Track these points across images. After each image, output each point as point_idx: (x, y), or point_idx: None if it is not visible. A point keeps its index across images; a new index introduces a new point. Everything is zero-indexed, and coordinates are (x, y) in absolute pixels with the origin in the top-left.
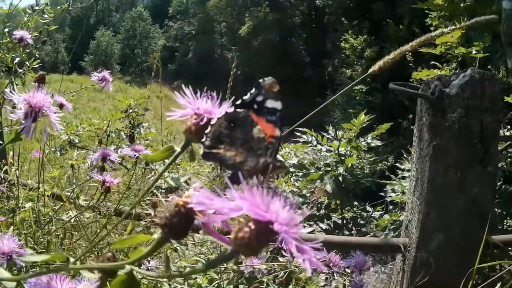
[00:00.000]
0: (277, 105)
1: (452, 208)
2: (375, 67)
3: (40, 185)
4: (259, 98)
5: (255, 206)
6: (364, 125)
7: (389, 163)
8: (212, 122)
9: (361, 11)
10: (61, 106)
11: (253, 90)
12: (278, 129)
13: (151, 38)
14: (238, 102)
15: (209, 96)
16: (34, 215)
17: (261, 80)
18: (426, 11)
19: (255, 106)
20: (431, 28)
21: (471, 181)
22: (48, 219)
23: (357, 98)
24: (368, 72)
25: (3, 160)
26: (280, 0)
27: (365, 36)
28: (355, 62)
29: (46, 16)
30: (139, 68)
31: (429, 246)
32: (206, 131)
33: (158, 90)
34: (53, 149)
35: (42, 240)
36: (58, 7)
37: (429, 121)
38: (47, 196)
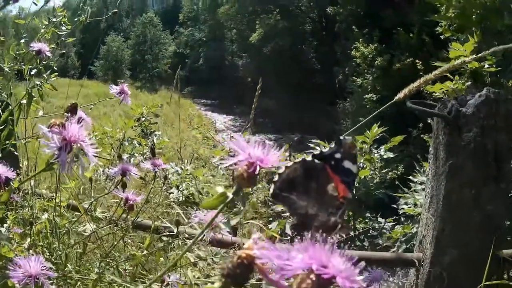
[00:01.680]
0: (354, 168)
1: (467, 225)
2: (400, 95)
3: (55, 195)
4: (338, 155)
5: (319, 261)
6: (378, 137)
7: (399, 172)
8: (288, 164)
9: (372, 19)
10: (79, 120)
11: (332, 145)
12: (351, 192)
13: (161, 44)
14: (316, 153)
15: (260, 143)
16: (50, 227)
17: (341, 137)
18: (437, 20)
19: (332, 162)
20: (441, 37)
21: (486, 198)
22: (64, 231)
23: (368, 106)
24: (394, 99)
25: (17, 170)
26: (291, 8)
27: (375, 45)
28: (365, 71)
29: (63, 28)
30: (149, 74)
31: (443, 261)
32: (280, 172)
33: (168, 96)
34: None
35: (59, 252)
36: (76, 19)
37: (446, 140)
38: (63, 207)
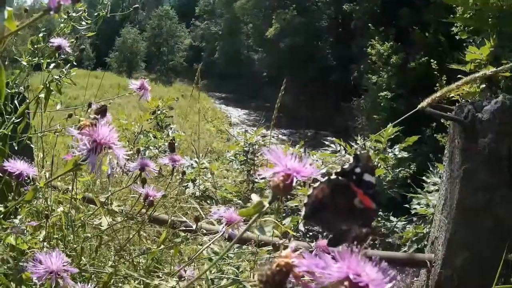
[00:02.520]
0: (373, 180)
1: (479, 228)
2: (423, 103)
3: (71, 187)
4: (357, 170)
5: (354, 270)
6: (392, 136)
7: (411, 171)
8: (315, 185)
9: (388, 17)
10: (99, 112)
11: (351, 161)
12: (375, 202)
13: (177, 37)
14: (339, 170)
15: (295, 155)
16: (66, 219)
17: (358, 152)
18: (452, 21)
19: (354, 177)
20: (457, 38)
21: (498, 202)
22: (80, 224)
23: (382, 104)
24: (417, 108)
25: (32, 162)
26: (307, 4)
27: (391, 43)
28: (381, 68)
29: (83, 23)
30: (164, 66)
31: (454, 263)
32: (308, 194)
33: (183, 89)
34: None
35: (75, 246)
36: (96, 13)
37: (461, 144)
38: (79, 199)
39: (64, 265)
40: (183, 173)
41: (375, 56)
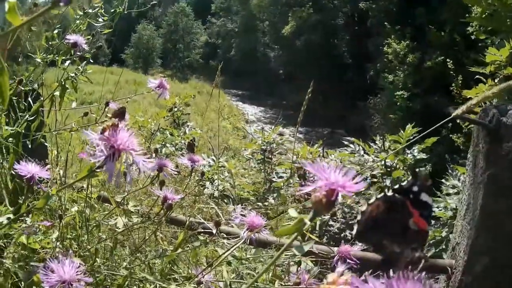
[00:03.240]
0: (430, 200)
1: (502, 236)
2: (458, 111)
3: (86, 186)
4: (415, 189)
5: None
6: (411, 137)
7: (426, 171)
8: (370, 201)
9: (404, 16)
10: (117, 114)
11: (409, 178)
12: (429, 224)
13: (193, 34)
14: (396, 187)
15: (339, 168)
16: (80, 219)
17: (417, 170)
18: (468, 20)
19: (411, 196)
20: (472, 37)
21: None
22: (95, 224)
23: (398, 103)
24: (452, 115)
25: (46, 160)
26: (323, 1)
27: (407, 42)
28: (397, 68)
29: (100, 19)
30: (180, 63)
31: (475, 270)
32: (362, 210)
33: (199, 86)
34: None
35: (89, 247)
36: (112, 10)
37: (486, 149)
38: (94, 198)
39: (77, 274)
40: (202, 173)
41: (392, 55)
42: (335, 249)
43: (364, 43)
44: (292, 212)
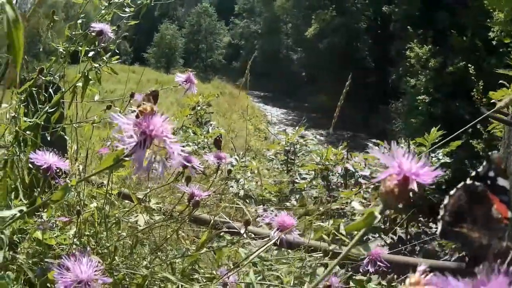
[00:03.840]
0: (507, 184)
1: None
2: (501, 103)
3: (107, 181)
4: (491, 174)
5: None
6: (436, 140)
7: (446, 176)
8: (451, 193)
9: (426, 20)
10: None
11: (484, 163)
12: (510, 209)
13: (216, 35)
14: (473, 174)
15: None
16: (99, 215)
17: (490, 153)
18: (489, 24)
19: (488, 182)
20: (493, 42)
21: None
22: (115, 220)
23: (420, 108)
24: (496, 107)
25: (65, 154)
26: (347, 4)
27: (430, 46)
28: (419, 72)
29: (127, 10)
30: (203, 63)
31: None
32: (444, 203)
33: (221, 86)
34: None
35: (107, 244)
36: (139, 1)
37: None
38: (114, 194)
39: (95, 273)
40: (229, 171)
41: (414, 59)
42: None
43: (387, 46)
44: (356, 205)
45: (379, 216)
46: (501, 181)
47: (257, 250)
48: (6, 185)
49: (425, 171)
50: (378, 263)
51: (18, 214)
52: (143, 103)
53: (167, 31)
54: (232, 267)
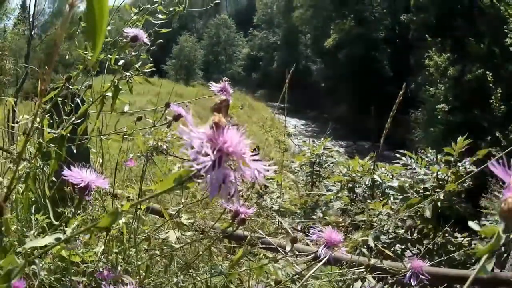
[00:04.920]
0: None
1: None
2: None
3: (131, 195)
4: None
5: None
6: (463, 149)
7: (466, 185)
8: None
9: (444, 28)
10: (179, 117)
11: None
12: None
13: (235, 46)
14: None
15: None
16: (128, 231)
17: None
18: (506, 31)
19: None
20: (510, 49)
21: None
22: (144, 237)
23: (439, 117)
24: None
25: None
26: (365, 14)
27: (448, 54)
28: (438, 80)
29: (159, 16)
30: (222, 75)
31: None
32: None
33: (241, 98)
34: (138, 154)
35: (138, 262)
36: (171, 8)
37: None
38: (142, 210)
39: None
40: (266, 186)
41: (433, 67)
42: (408, 264)
43: (405, 56)
44: (474, 226)
45: (503, 236)
46: None
47: (309, 267)
48: (28, 199)
49: None
50: (421, 276)
51: (55, 242)
52: (214, 114)
53: (186, 43)
54: (272, 284)
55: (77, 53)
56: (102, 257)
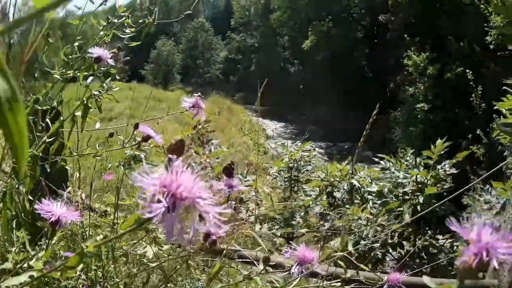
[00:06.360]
0: None
1: None
2: None
3: (113, 211)
4: None
5: None
6: (442, 152)
7: (447, 185)
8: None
9: (423, 28)
10: (147, 138)
11: None
12: None
13: (213, 50)
14: None
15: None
16: (106, 248)
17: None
18: (486, 29)
19: None
20: (491, 47)
21: None
22: (122, 253)
23: (419, 116)
24: None
25: (67, 183)
26: (343, 15)
27: (427, 53)
28: (417, 80)
29: (127, 31)
30: (200, 79)
31: None
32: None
33: (219, 101)
34: (116, 164)
35: (117, 280)
36: (140, 21)
37: None
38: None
39: None
40: (241, 200)
41: (412, 67)
42: (384, 276)
43: (384, 56)
44: (428, 281)
45: None
46: None
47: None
48: (6, 216)
49: (504, 244)
50: None
51: (29, 280)
52: (168, 156)
53: (164, 47)
54: None
55: (56, 59)
56: (81, 274)
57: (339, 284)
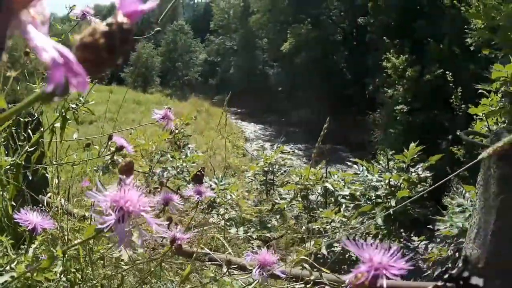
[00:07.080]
0: (480, 282)
1: None
2: (484, 154)
3: (87, 214)
4: (465, 274)
5: None
6: (415, 156)
7: (427, 185)
8: None
9: (403, 30)
10: (121, 148)
11: (460, 264)
12: None
13: (192, 52)
14: (446, 276)
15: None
16: (84, 251)
17: (468, 255)
18: (466, 31)
19: (461, 282)
20: (471, 48)
21: None
22: (99, 256)
23: (398, 118)
24: (479, 157)
25: (47, 189)
26: (322, 17)
27: (406, 56)
28: (396, 82)
29: None
30: (179, 81)
31: None
32: None
33: (198, 104)
34: (95, 168)
35: (94, 282)
36: None
37: (498, 174)
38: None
39: None
40: (209, 206)
41: (391, 69)
42: (345, 278)
43: (363, 58)
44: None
45: None
46: (475, 280)
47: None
48: None
49: (394, 264)
50: None
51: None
52: (119, 176)
53: (143, 50)
54: None
55: (37, 61)
56: (62, 276)
57: (302, 285)
